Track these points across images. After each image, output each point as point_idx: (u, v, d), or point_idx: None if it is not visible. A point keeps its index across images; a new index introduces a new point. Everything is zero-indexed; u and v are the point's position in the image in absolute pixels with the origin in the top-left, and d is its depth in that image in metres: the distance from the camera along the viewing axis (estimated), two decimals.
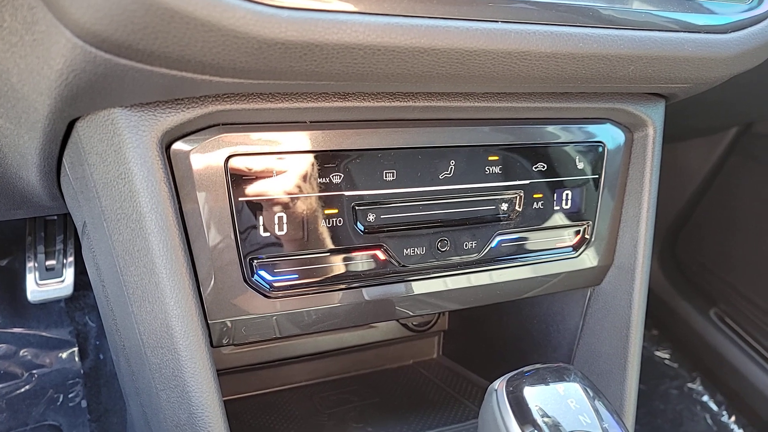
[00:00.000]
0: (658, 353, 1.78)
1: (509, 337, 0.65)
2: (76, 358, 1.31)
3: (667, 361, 1.76)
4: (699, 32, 0.50)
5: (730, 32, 0.52)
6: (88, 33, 0.33)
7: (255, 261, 0.48)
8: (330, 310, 0.53)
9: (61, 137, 0.47)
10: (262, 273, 0.48)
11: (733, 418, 1.62)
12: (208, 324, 0.48)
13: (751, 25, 0.53)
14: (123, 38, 0.33)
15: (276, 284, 0.49)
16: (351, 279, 0.52)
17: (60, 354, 1.31)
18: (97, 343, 1.32)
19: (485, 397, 0.44)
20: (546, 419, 0.41)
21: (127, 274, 0.46)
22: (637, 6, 0.48)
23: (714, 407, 1.65)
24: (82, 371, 1.30)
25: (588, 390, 0.43)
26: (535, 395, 0.42)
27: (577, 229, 0.61)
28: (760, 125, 1.50)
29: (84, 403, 1.26)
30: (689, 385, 1.69)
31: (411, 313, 0.59)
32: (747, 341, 1.60)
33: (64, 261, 1.21)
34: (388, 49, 0.37)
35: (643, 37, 0.47)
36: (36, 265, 1.19)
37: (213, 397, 0.46)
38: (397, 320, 0.83)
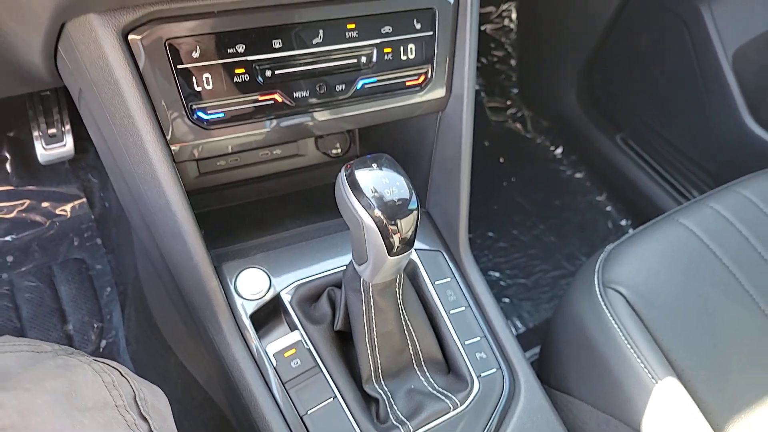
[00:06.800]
0: (576, 175, 2.10)
1: (394, 155, 0.90)
2: (87, 208, 1.62)
3: (581, 181, 2.08)
4: None
5: None
6: None
7: (193, 105, 0.75)
8: (250, 135, 0.81)
9: (57, 34, 0.72)
10: (199, 113, 0.75)
11: (630, 222, 1.98)
12: (170, 147, 0.76)
13: None
14: None
15: (210, 120, 0.77)
16: (261, 114, 0.79)
17: (73, 205, 1.61)
18: (101, 194, 1.61)
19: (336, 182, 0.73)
20: (372, 190, 0.70)
21: (114, 118, 0.73)
22: None
23: (615, 214, 2.00)
24: (92, 217, 1.61)
25: (396, 169, 0.72)
26: (363, 176, 0.70)
27: (420, 72, 0.87)
28: None
29: (99, 241, 1.59)
30: (597, 198, 2.03)
31: (314, 133, 0.87)
32: (643, 158, 1.91)
33: (63, 129, 1.45)
34: None
35: None
36: (40, 133, 1.43)
37: (177, 187, 0.75)
38: (319, 150, 1.12)
